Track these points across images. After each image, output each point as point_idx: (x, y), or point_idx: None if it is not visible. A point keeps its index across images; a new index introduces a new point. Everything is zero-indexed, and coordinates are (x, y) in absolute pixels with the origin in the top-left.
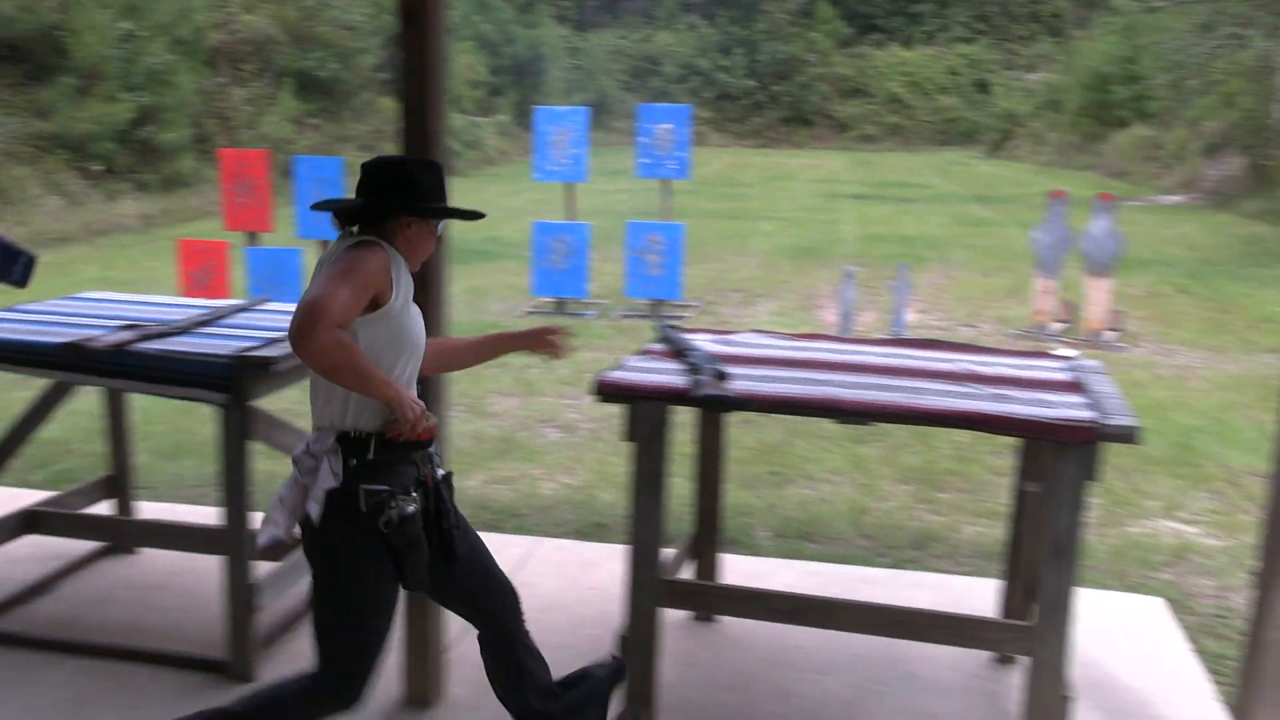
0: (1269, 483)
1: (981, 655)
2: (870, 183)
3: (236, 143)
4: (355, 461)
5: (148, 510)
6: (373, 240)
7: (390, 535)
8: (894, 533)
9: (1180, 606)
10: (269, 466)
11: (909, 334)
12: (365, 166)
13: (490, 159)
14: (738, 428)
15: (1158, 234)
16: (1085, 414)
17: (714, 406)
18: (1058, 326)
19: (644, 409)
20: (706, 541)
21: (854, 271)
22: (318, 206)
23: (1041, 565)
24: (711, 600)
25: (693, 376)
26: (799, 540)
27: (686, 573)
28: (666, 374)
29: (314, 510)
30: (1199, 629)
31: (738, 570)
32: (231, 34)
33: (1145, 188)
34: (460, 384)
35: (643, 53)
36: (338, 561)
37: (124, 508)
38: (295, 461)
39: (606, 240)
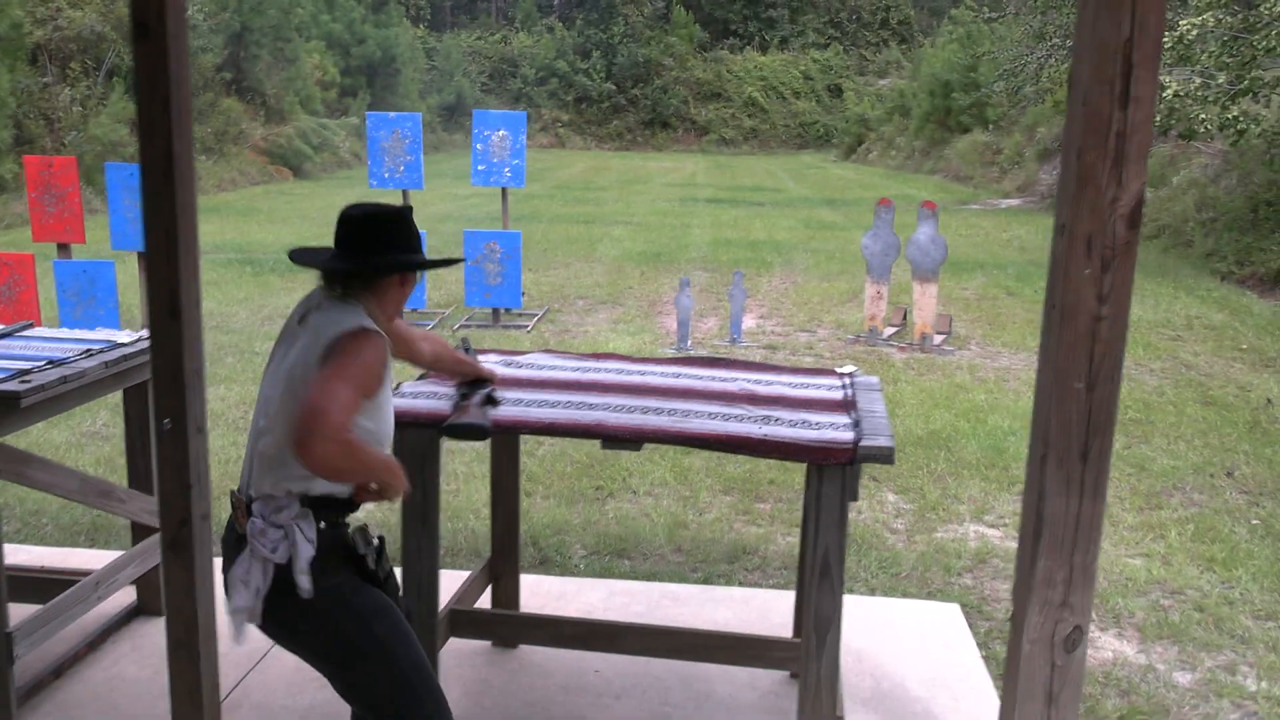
0: (1023, 504)
1: (778, 673)
2: (725, 186)
3: (64, 145)
4: (325, 524)
5: None
6: (371, 329)
7: (376, 569)
8: (709, 546)
9: (976, 611)
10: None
11: (746, 341)
12: (353, 220)
13: (344, 161)
14: (566, 443)
15: (995, 237)
16: (844, 435)
17: (464, 436)
18: (889, 331)
19: (411, 437)
20: (505, 565)
21: (688, 280)
22: (304, 262)
23: (808, 584)
24: (497, 629)
25: (455, 403)
26: (614, 557)
27: (484, 599)
28: (437, 400)
29: (305, 583)
30: (991, 634)
31: (542, 592)
32: (56, 30)
33: (986, 191)
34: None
35: (500, 54)
36: (356, 622)
37: None
38: (253, 537)
39: (453, 248)
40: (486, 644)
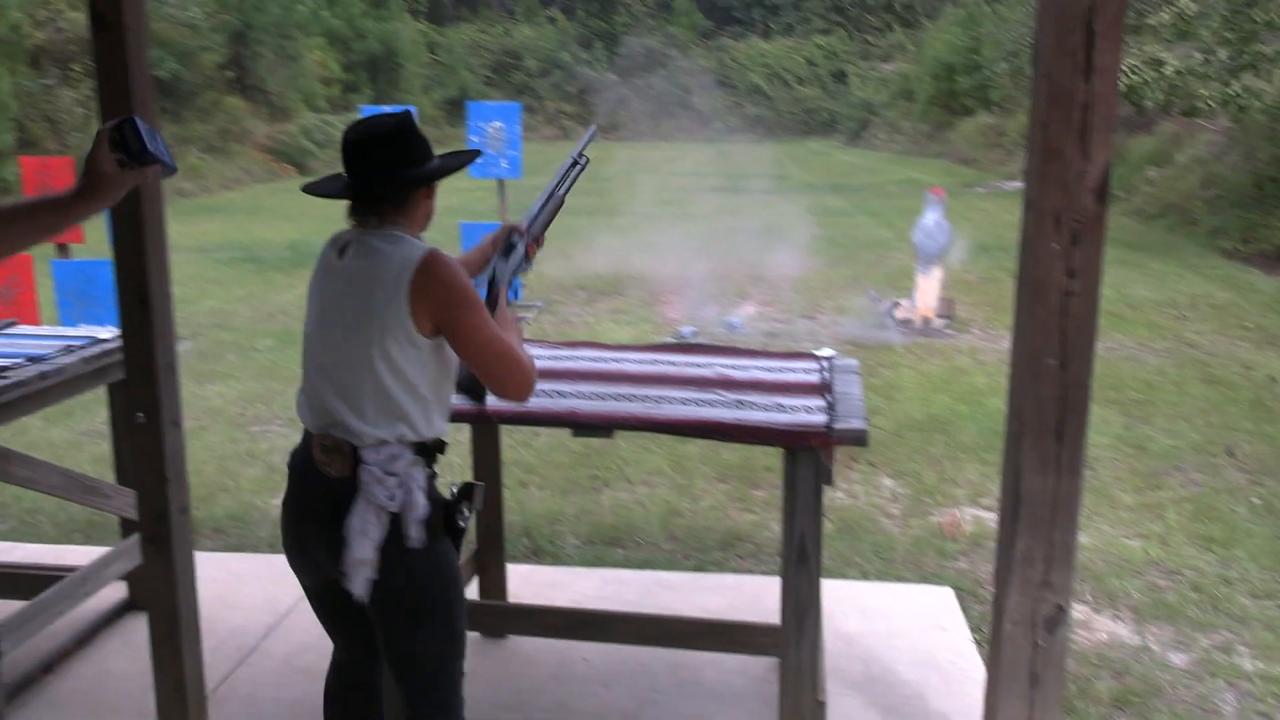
0: (1001, 483)
1: (767, 659)
2: (730, 174)
3: (67, 147)
4: (431, 471)
5: None
6: (435, 249)
7: (464, 528)
8: (703, 534)
9: (970, 595)
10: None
11: (746, 329)
12: (362, 141)
13: None
14: (562, 433)
15: (1000, 219)
16: (817, 418)
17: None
18: (902, 315)
19: None
20: (491, 555)
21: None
22: (324, 192)
23: (786, 569)
24: (483, 619)
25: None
26: (607, 546)
27: (471, 590)
28: None
29: (417, 534)
30: (984, 617)
31: (535, 581)
32: (56, 32)
33: (991, 174)
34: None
35: (503, 47)
36: (443, 579)
37: None
38: (369, 485)
39: (451, 241)
40: (474, 634)
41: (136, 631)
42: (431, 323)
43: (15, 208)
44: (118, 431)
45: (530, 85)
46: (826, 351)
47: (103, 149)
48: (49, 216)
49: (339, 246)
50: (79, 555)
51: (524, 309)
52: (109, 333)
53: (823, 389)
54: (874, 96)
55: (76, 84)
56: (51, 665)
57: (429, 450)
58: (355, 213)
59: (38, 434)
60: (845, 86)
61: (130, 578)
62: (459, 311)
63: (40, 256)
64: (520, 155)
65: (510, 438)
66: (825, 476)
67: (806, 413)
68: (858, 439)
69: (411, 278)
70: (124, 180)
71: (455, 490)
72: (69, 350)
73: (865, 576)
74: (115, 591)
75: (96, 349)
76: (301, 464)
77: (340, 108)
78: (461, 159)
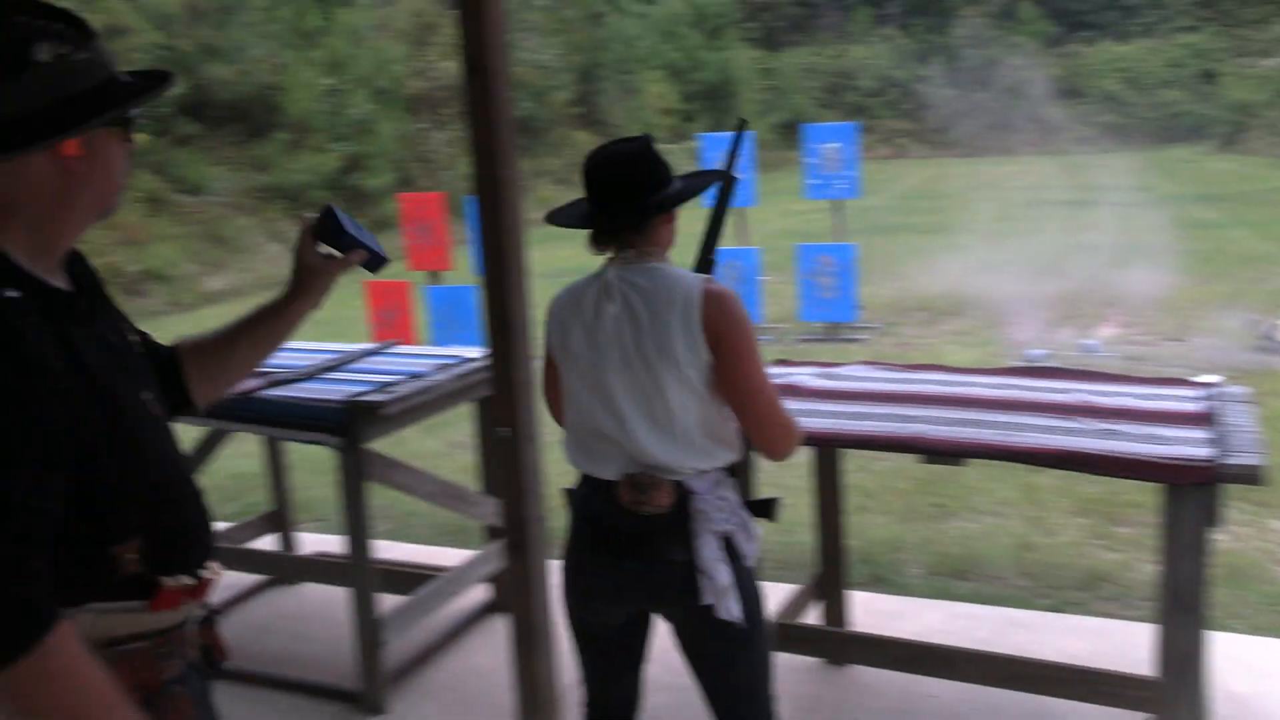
0: None
1: (1135, 714)
2: (1082, 187)
3: (440, 184)
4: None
5: (311, 543)
6: (711, 279)
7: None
8: (1059, 572)
9: None
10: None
11: (1104, 352)
12: (608, 163)
13: None
14: (903, 458)
15: None
16: (1200, 451)
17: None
18: None
19: None
20: (831, 581)
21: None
22: (568, 222)
23: (1164, 618)
24: (826, 645)
25: None
26: (952, 578)
27: (812, 615)
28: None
29: (753, 551)
30: None
31: (875, 610)
32: (430, 80)
33: None
34: None
35: (837, 69)
36: (759, 598)
37: (285, 541)
38: (709, 513)
39: (786, 262)
40: (811, 659)
41: (500, 631)
42: (713, 354)
43: (238, 325)
44: (483, 444)
45: (864, 105)
46: (1210, 377)
47: (307, 242)
48: (270, 321)
49: (602, 288)
50: (448, 557)
51: (862, 330)
52: (476, 352)
53: (1206, 419)
54: (1252, 96)
55: (446, 126)
56: (425, 657)
57: (734, 471)
58: (596, 241)
59: (414, 444)
60: (1216, 87)
61: (494, 580)
62: (742, 348)
63: (415, 283)
64: (857, 175)
65: (849, 462)
66: (1212, 518)
67: (1188, 445)
68: (1252, 477)
69: (699, 308)
70: (331, 270)
71: (753, 505)
72: (443, 369)
73: (1254, 631)
74: (481, 592)
75: (465, 367)
76: (599, 509)
77: (679, 136)
78: (702, 181)
